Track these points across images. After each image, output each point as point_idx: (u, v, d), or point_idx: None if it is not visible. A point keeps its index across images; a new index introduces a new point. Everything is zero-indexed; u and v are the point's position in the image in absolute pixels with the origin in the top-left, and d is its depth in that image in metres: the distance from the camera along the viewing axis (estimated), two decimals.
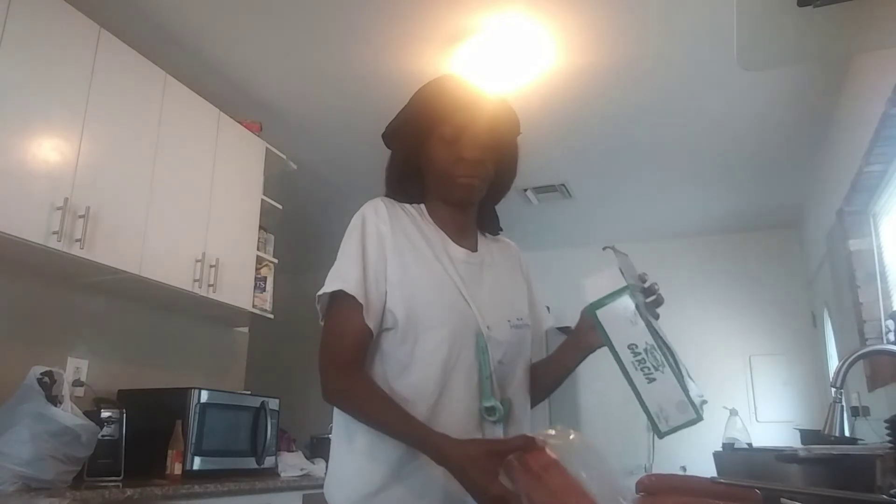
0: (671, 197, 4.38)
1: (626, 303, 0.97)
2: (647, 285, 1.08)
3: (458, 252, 1.15)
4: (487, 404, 1.03)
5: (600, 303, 0.99)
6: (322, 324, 1.10)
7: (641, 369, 0.95)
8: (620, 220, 4.79)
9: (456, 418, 1.02)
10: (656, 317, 1.08)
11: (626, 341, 0.97)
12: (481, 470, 0.89)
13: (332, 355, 1.06)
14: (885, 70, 2.32)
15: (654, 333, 0.95)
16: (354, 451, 1.07)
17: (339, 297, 1.06)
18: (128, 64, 2.45)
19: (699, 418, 0.92)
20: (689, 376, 1.01)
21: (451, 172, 1.14)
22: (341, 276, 1.07)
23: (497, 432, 1.05)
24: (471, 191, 1.15)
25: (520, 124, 1.25)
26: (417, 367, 1.04)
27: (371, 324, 1.05)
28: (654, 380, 0.94)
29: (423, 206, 1.21)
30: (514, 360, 1.12)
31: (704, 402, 0.99)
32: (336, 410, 1.12)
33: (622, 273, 0.99)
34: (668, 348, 0.99)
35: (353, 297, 1.05)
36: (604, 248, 1.05)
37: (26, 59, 2.05)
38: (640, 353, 0.95)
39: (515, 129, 1.24)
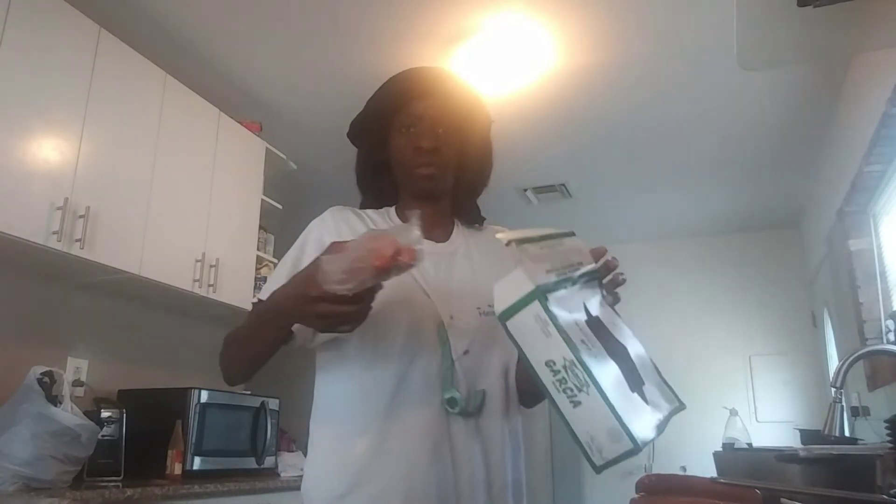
0: (671, 197, 4.38)
1: (535, 310, 0.77)
2: (599, 265, 0.91)
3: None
4: (447, 395, 1.00)
5: (508, 312, 0.79)
6: None
7: (564, 391, 0.76)
8: (620, 220, 4.79)
9: (417, 411, 1.00)
10: (614, 300, 0.92)
11: (542, 358, 0.77)
12: (293, 291, 0.90)
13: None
14: (885, 70, 2.32)
15: (573, 343, 0.76)
16: (321, 451, 1.07)
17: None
18: (128, 64, 2.45)
19: (636, 449, 0.72)
20: (663, 382, 0.86)
21: (410, 163, 1.12)
22: (266, 288, 1.07)
23: (464, 425, 1.01)
24: (431, 180, 1.12)
25: (489, 114, 1.22)
26: (379, 364, 1.03)
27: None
28: (580, 403, 0.75)
29: (391, 208, 1.20)
30: (486, 350, 1.07)
31: (676, 409, 0.82)
32: (314, 424, 1.11)
33: (527, 275, 0.78)
34: (617, 353, 0.81)
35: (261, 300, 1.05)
36: (507, 244, 0.82)
37: (26, 59, 2.05)
38: (559, 371, 0.76)
39: (482, 118, 1.20)
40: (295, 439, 3.33)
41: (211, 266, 2.73)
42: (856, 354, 1.51)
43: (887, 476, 1.19)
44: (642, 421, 0.76)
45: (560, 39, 2.67)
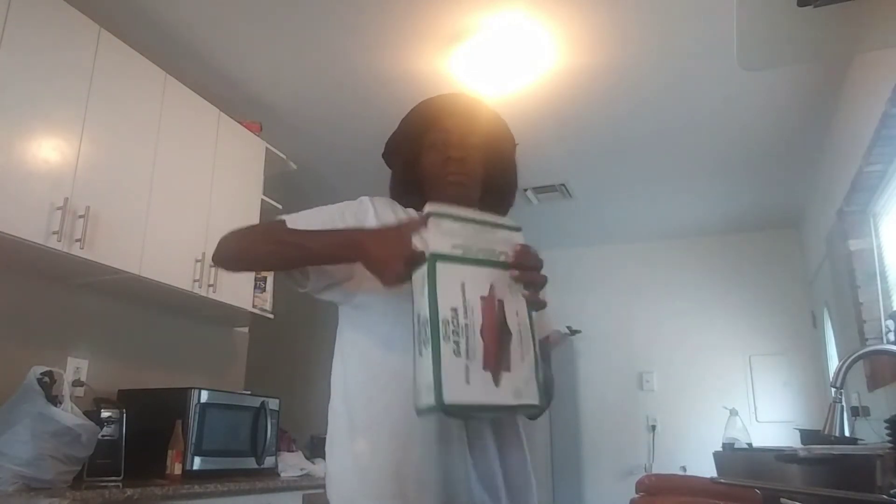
0: (671, 197, 4.38)
1: (423, 271, 0.93)
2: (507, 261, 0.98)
3: None
4: None
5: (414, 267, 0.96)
6: None
7: (417, 342, 0.91)
8: (620, 220, 4.79)
9: (434, 415, 1.03)
10: (534, 305, 0.99)
11: (416, 311, 0.93)
12: (383, 239, 0.98)
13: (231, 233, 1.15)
14: (885, 70, 2.32)
15: (435, 307, 0.89)
16: (340, 438, 1.10)
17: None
18: (128, 64, 2.44)
19: (437, 407, 0.85)
20: (535, 379, 0.93)
21: (441, 173, 1.18)
22: (299, 219, 1.14)
23: (477, 426, 1.05)
24: (461, 188, 1.18)
25: (513, 137, 1.30)
26: (399, 358, 1.05)
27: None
28: (421, 355, 0.89)
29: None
30: None
31: (529, 405, 0.92)
32: (331, 412, 1.13)
33: (425, 240, 0.93)
34: (497, 335, 0.91)
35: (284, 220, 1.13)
36: (426, 214, 0.96)
37: (26, 59, 2.05)
38: (417, 325, 0.92)
39: (506, 138, 1.28)
40: (295, 439, 3.33)
41: (211, 266, 2.73)
42: (856, 354, 1.52)
43: (887, 476, 1.19)
44: (470, 393, 0.87)
45: (560, 39, 2.67)
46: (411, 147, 1.23)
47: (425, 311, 0.89)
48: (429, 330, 0.88)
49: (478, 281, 0.93)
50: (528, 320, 0.96)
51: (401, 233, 0.96)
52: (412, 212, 1.23)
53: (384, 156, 1.30)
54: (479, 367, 0.88)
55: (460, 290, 0.91)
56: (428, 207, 0.96)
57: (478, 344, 0.89)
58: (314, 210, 1.17)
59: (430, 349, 0.87)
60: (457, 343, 0.88)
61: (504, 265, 0.97)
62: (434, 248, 0.92)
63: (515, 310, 0.95)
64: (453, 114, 1.21)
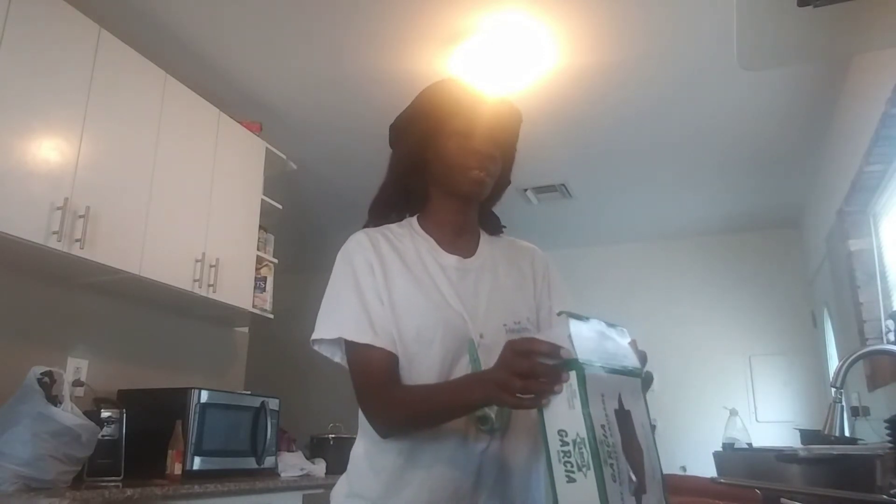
0: (671, 197, 4.38)
1: (570, 379, 0.78)
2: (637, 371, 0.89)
3: (449, 259, 1.14)
4: (479, 414, 1.00)
5: None
6: (347, 365, 1.08)
7: (564, 463, 0.76)
8: (620, 220, 4.79)
9: (449, 427, 1.01)
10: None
11: (556, 425, 0.78)
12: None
13: (366, 400, 1.04)
14: (885, 70, 2.32)
15: (592, 424, 0.76)
16: (357, 459, 1.09)
17: (346, 343, 1.05)
18: (128, 64, 2.45)
19: None
20: (663, 480, 0.85)
21: (463, 164, 1.12)
22: (338, 322, 1.06)
23: (490, 441, 1.03)
24: (480, 185, 1.13)
25: (521, 121, 1.24)
26: (415, 382, 1.03)
27: (390, 347, 1.04)
28: (574, 480, 0.75)
29: (413, 219, 1.20)
30: None
31: None
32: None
33: (572, 343, 0.78)
34: (632, 453, 0.81)
35: (355, 341, 1.03)
36: (558, 314, 0.84)
37: (26, 59, 2.05)
38: (567, 444, 0.77)
39: (518, 129, 1.23)
40: (295, 439, 3.33)
41: (211, 266, 2.73)
42: (856, 354, 1.52)
43: (887, 476, 1.19)
44: None
45: (561, 39, 2.67)
46: (428, 130, 1.15)
47: (578, 428, 0.76)
48: (587, 454, 0.75)
49: (611, 391, 0.81)
50: (651, 431, 0.87)
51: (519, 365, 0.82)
52: (394, 230, 1.17)
53: (392, 134, 1.23)
54: (627, 492, 0.77)
55: (601, 402, 0.78)
56: (556, 309, 0.86)
57: (623, 465, 0.78)
58: (338, 290, 1.08)
59: (591, 476, 0.74)
60: (612, 466, 0.76)
61: (632, 372, 0.86)
62: (582, 354, 0.78)
63: (641, 421, 0.85)
64: (479, 104, 1.14)
